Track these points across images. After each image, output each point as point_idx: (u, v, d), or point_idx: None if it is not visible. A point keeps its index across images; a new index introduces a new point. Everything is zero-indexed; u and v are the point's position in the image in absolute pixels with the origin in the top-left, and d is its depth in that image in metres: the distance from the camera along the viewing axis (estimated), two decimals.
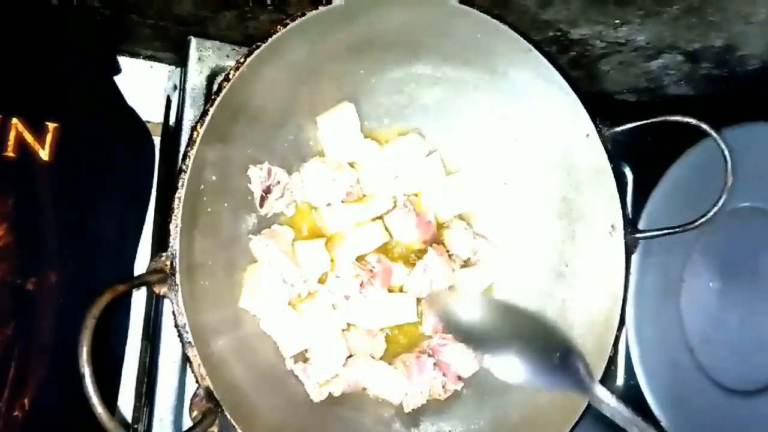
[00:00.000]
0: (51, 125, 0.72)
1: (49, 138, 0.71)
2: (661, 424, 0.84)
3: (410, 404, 0.73)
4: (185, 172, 0.57)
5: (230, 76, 0.59)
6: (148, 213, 0.81)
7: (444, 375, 0.74)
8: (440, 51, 0.70)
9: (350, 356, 0.72)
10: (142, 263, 0.79)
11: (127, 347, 0.79)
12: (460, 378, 0.75)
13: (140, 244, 0.80)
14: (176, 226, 0.57)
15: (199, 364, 0.57)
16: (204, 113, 0.58)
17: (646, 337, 0.85)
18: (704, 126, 0.67)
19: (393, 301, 0.73)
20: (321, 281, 0.72)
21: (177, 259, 0.57)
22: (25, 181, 0.70)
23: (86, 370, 0.47)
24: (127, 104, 0.79)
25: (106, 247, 0.75)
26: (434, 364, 0.73)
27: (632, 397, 0.88)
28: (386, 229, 0.75)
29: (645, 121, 0.69)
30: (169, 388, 0.73)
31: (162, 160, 0.83)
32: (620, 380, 0.90)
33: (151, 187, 0.82)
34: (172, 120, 0.83)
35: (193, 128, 0.58)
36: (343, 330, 0.72)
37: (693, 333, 0.90)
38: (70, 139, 0.72)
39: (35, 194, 0.70)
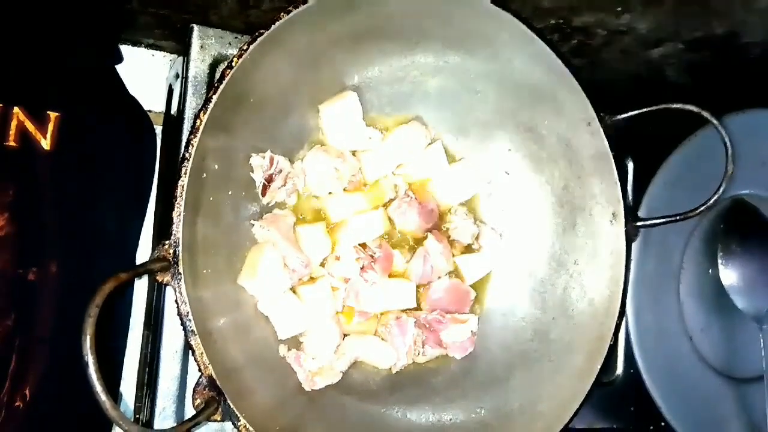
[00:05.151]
0: (52, 114, 0.71)
1: (50, 127, 0.71)
2: (661, 410, 0.85)
3: (398, 365, 0.74)
4: (188, 160, 0.57)
5: (233, 64, 0.58)
6: (149, 203, 0.81)
7: (425, 336, 0.74)
8: (442, 39, 0.70)
9: (346, 335, 0.73)
10: (143, 253, 0.79)
11: (128, 337, 0.79)
12: (443, 345, 0.75)
13: (142, 234, 0.80)
14: (179, 215, 0.57)
15: (201, 353, 0.57)
16: (207, 101, 0.58)
17: (645, 325, 0.85)
18: (705, 113, 0.67)
19: (393, 286, 0.73)
20: (321, 265, 0.72)
21: (180, 248, 0.57)
22: (26, 170, 0.70)
23: (90, 359, 0.47)
24: (128, 93, 0.79)
25: (108, 236, 0.75)
26: (414, 323, 0.74)
27: (632, 385, 0.89)
28: (388, 218, 0.75)
29: (646, 109, 0.68)
30: (171, 378, 0.73)
31: (164, 150, 0.82)
32: (620, 369, 0.90)
33: (153, 176, 0.81)
34: (174, 109, 0.83)
35: (196, 116, 0.58)
36: (338, 313, 0.72)
37: (692, 320, 0.90)
38: (72, 129, 0.72)
39: (36, 184, 0.70)
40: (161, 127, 0.85)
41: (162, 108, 0.87)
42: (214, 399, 0.57)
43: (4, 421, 0.66)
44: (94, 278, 0.52)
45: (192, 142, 0.57)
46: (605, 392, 0.89)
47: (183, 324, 0.57)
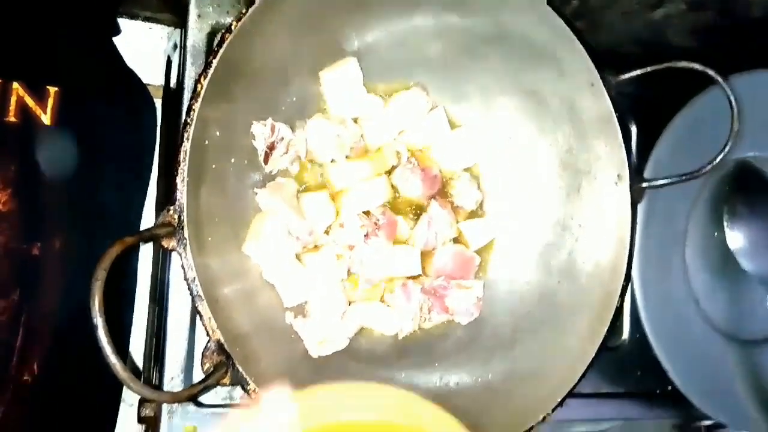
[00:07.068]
0: (52, 89, 0.71)
1: (50, 102, 0.71)
2: (668, 374, 0.85)
3: (404, 331, 0.74)
4: (190, 125, 0.57)
5: (233, 28, 0.58)
6: (151, 177, 0.81)
7: (431, 302, 0.75)
8: (441, 0, 0.70)
9: (351, 303, 0.73)
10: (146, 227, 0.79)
11: (134, 312, 0.79)
12: (448, 311, 0.75)
13: (144, 210, 0.80)
14: (183, 180, 0.57)
15: (209, 318, 0.57)
16: (207, 65, 0.57)
17: (651, 289, 0.85)
18: (710, 72, 0.66)
19: (397, 253, 0.73)
20: (325, 233, 0.72)
21: (185, 213, 0.56)
22: (27, 145, 0.70)
23: (99, 321, 0.47)
24: (127, 66, 0.79)
25: (110, 211, 0.75)
26: (420, 290, 0.74)
27: (639, 349, 0.89)
28: (392, 185, 0.75)
29: (651, 68, 0.68)
30: (179, 349, 0.73)
31: (164, 123, 0.82)
32: (626, 334, 0.90)
33: (154, 150, 0.81)
34: (173, 81, 0.82)
35: (197, 81, 0.57)
36: (343, 280, 0.72)
37: (698, 283, 0.90)
38: (72, 103, 0.72)
39: (38, 159, 0.70)
40: (161, 101, 0.84)
41: (161, 82, 0.86)
42: (223, 363, 0.57)
43: (13, 396, 0.66)
44: (97, 252, 0.52)
45: (193, 107, 0.57)
46: (612, 357, 0.89)
47: (190, 289, 0.57)
